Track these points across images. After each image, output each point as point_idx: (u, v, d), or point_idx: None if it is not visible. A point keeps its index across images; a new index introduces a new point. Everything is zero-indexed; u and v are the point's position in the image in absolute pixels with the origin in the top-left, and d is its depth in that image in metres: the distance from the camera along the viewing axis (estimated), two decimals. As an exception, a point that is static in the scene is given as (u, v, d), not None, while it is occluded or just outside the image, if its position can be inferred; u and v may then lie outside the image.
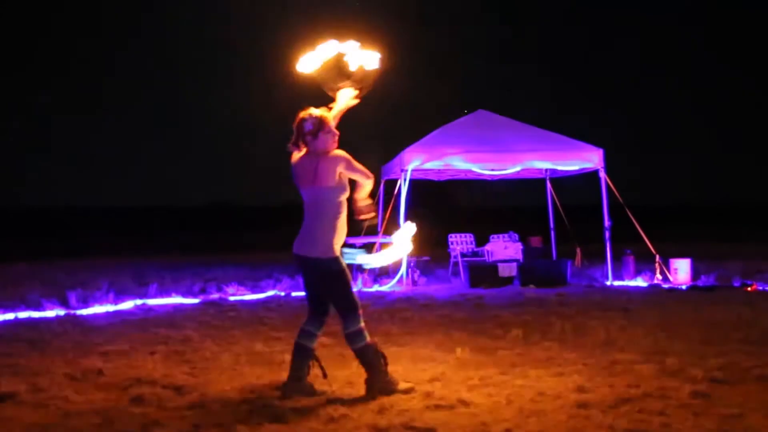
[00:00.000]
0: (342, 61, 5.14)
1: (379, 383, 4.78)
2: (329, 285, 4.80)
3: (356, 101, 5.15)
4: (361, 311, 4.80)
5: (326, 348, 6.42)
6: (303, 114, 4.83)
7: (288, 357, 5.90)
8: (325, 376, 4.92)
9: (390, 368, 4.86)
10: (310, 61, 5.12)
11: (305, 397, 4.78)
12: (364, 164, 4.89)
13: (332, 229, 4.72)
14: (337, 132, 4.89)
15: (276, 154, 5.34)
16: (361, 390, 4.91)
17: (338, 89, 5.11)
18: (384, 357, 4.83)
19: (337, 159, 4.76)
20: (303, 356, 4.88)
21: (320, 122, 4.79)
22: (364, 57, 5.14)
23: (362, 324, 4.77)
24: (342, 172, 4.76)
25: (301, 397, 4.77)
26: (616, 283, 11.32)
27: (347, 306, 4.76)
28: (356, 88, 5.12)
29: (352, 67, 5.11)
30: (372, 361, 4.78)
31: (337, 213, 4.74)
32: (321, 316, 4.95)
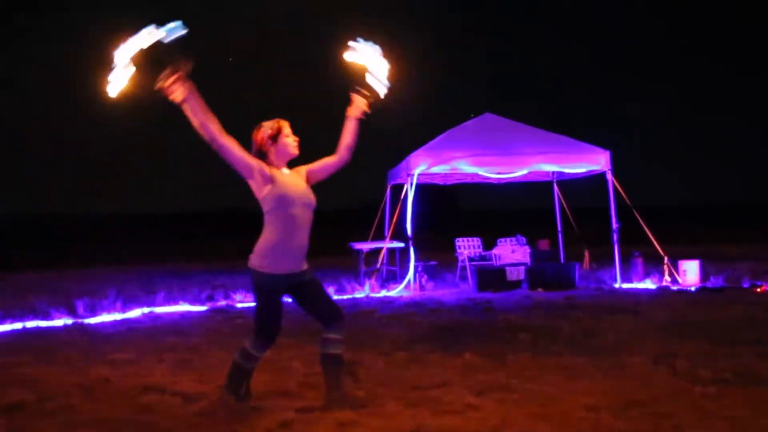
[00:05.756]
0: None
1: (224, 396, 4.62)
2: (254, 297, 4.60)
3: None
4: (270, 344, 4.54)
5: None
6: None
7: (296, 364, 5.93)
8: (357, 380, 5.00)
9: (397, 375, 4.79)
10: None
11: (347, 407, 4.56)
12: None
13: (265, 241, 4.51)
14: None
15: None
16: (371, 396, 4.90)
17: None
18: (246, 390, 4.63)
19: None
20: (332, 365, 4.62)
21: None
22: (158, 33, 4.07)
23: (260, 355, 4.56)
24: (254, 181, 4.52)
25: (344, 407, 4.55)
26: (625, 285, 11.25)
27: (257, 326, 4.53)
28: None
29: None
30: (234, 379, 4.60)
31: (268, 223, 4.52)
32: (332, 320, 4.63)
